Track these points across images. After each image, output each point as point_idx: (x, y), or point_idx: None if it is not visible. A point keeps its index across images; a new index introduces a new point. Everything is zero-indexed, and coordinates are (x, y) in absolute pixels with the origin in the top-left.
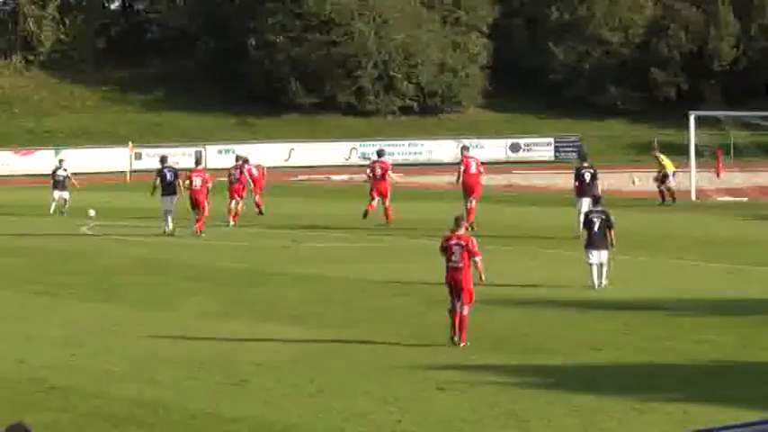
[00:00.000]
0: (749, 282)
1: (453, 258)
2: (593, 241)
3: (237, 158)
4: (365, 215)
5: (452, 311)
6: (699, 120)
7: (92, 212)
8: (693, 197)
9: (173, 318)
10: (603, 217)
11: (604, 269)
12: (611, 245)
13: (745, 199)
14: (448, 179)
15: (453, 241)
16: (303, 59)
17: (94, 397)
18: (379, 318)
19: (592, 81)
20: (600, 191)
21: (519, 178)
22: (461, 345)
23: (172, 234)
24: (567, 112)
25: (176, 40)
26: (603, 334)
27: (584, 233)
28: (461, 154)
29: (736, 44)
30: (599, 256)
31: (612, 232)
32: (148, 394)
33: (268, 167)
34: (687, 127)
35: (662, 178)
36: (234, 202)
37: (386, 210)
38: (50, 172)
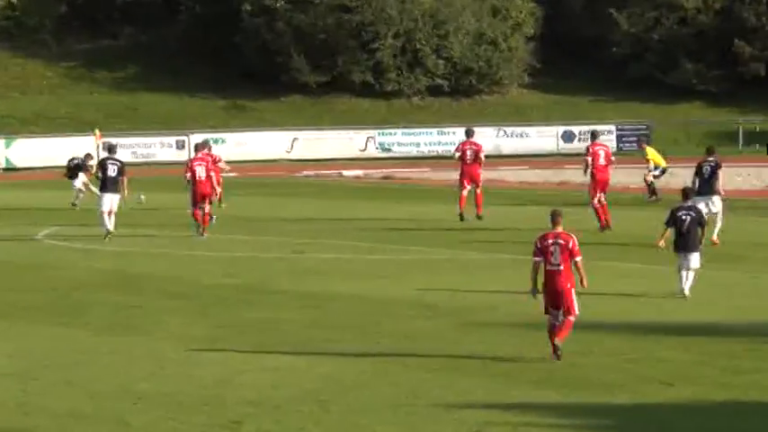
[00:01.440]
0: None
1: (552, 260)
2: (685, 242)
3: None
4: (461, 216)
5: (552, 325)
6: None
7: (142, 197)
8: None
9: (147, 345)
10: (694, 214)
11: (692, 275)
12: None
13: None
14: (486, 175)
15: (551, 240)
16: (309, 29)
17: None
18: (400, 345)
19: (663, 55)
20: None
21: (573, 174)
22: (556, 343)
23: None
24: (632, 93)
25: (154, 5)
26: (677, 366)
27: (670, 233)
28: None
29: None
30: (689, 261)
31: (704, 231)
32: None
33: (266, 159)
34: None
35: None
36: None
37: (477, 198)
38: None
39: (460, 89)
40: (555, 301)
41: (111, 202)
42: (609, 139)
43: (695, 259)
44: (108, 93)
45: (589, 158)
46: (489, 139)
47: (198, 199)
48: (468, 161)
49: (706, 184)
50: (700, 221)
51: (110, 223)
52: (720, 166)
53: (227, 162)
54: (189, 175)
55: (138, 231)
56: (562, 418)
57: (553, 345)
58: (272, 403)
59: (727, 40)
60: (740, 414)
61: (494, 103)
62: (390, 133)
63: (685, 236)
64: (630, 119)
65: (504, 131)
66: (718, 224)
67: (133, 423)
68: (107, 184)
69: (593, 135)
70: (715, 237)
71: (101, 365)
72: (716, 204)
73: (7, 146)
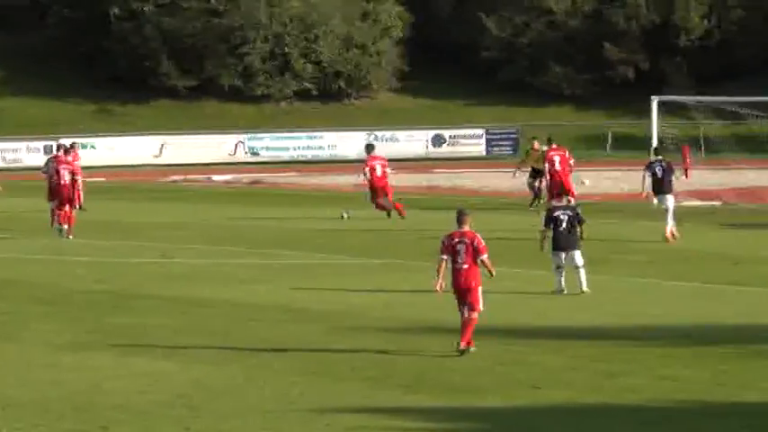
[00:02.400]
0: (723, 304)
1: (458, 259)
2: (561, 242)
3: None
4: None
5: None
6: (662, 106)
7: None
8: (655, 201)
9: (15, 350)
10: (571, 213)
11: (582, 272)
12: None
13: (718, 203)
14: (355, 180)
15: (457, 239)
16: (177, 33)
17: None
18: (270, 350)
19: (532, 59)
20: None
21: (442, 178)
22: (469, 348)
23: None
24: (501, 97)
25: (20, 8)
26: (547, 369)
27: (548, 233)
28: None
29: (707, 14)
30: (570, 258)
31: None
32: None
33: (135, 164)
34: (648, 115)
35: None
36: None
37: (396, 206)
38: None
39: (329, 93)
40: (462, 297)
41: None
42: (479, 143)
43: (578, 256)
44: None
45: (547, 165)
46: (358, 143)
47: (61, 200)
48: (378, 176)
49: (659, 184)
50: (578, 219)
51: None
52: (671, 166)
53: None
54: (55, 177)
55: (4, 236)
56: (431, 422)
57: (460, 344)
58: (141, 408)
59: (596, 44)
60: (612, 417)
61: (363, 107)
62: (259, 138)
63: (565, 235)
64: (500, 123)
65: (375, 136)
66: (671, 222)
67: (1, 430)
68: None
69: (550, 140)
70: (668, 233)
71: None
72: (669, 202)
73: None
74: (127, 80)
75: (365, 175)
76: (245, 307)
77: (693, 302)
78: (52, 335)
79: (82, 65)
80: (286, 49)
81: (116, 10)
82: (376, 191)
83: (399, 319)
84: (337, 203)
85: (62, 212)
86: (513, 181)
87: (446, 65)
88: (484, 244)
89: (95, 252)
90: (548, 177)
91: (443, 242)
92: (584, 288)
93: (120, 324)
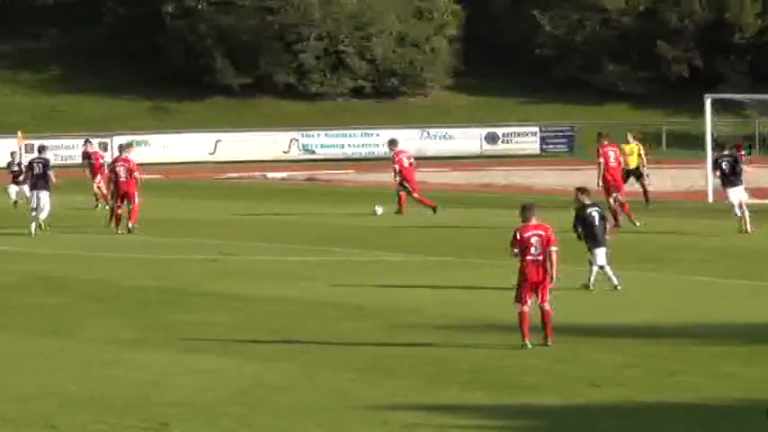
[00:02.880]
0: None
1: (533, 251)
2: (599, 238)
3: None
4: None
5: (523, 312)
6: (716, 104)
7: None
8: (710, 199)
9: (75, 347)
10: (600, 210)
11: (609, 270)
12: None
13: None
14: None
15: (531, 232)
16: (232, 31)
17: None
18: (328, 347)
19: (586, 57)
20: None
21: (498, 176)
22: (550, 343)
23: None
24: (556, 95)
25: (76, 6)
26: (605, 367)
27: (581, 232)
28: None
29: (761, 12)
30: (604, 256)
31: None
32: None
33: (190, 162)
34: (702, 113)
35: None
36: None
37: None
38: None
39: (384, 91)
40: (534, 288)
41: (37, 198)
42: (533, 141)
43: (602, 254)
44: (31, 94)
45: (602, 160)
46: (413, 141)
47: (120, 197)
48: (406, 167)
49: (726, 178)
50: (603, 216)
51: (36, 221)
52: (738, 160)
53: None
54: (112, 175)
55: (63, 233)
56: (489, 420)
57: (525, 342)
58: (200, 405)
59: (650, 42)
60: (670, 416)
61: (417, 104)
62: (314, 135)
63: (601, 231)
64: (555, 120)
65: (428, 133)
66: (746, 213)
67: (60, 426)
68: (35, 182)
69: (601, 135)
70: (749, 227)
71: (26, 368)
72: (733, 196)
73: None
74: (182, 78)
75: (395, 171)
76: (302, 304)
77: (750, 301)
78: (111, 331)
79: (137, 62)
80: (340, 47)
81: (171, 7)
82: (410, 182)
83: (455, 317)
84: (392, 200)
85: (119, 211)
86: (568, 179)
87: (500, 62)
88: (555, 237)
89: (152, 249)
90: (602, 172)
91: (516, 235)
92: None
93: (178, 321)
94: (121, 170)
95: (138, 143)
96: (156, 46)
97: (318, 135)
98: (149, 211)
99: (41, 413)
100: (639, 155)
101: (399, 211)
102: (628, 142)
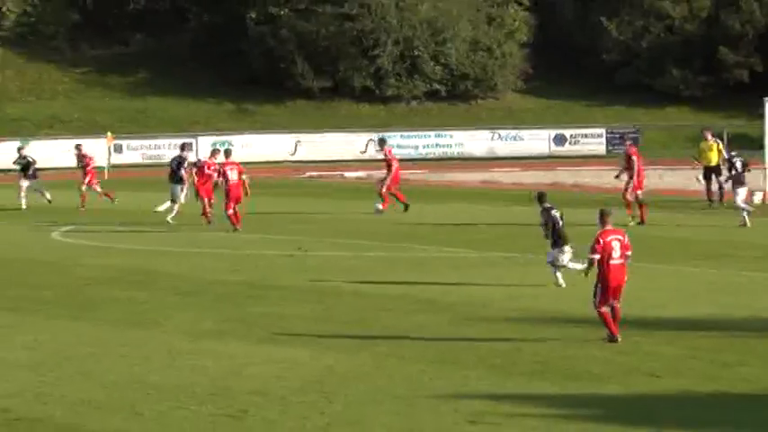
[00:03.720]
0: None
1: (614, 255)
2: (562, 237)
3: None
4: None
5: (606, 312)
6: None
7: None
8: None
9: (158, 338)
10: (560, 212)
11: (570, 265)
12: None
13: None
14: (481, 177)
15: (611, 236)
16: (311, 36)
17: (67, 430)
18: (400, 339)
19: (650, 62)
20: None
21: (565, 175)
22: (619, 339)
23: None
24: (621, 98)
25: (163, 13)
26: (665, 359)
27: (547, 233)
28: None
29: None
30: (567, 255)
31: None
32: (131, 427)
33: (271, 161)
34: (762, 115)
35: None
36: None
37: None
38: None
39: (457, 94)
40: (615, 292)
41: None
42: (599, 143)
43: (568, 254)
44: (119, 97)
45: (635, 159)
46: (484, 142)
47: (234, 201)
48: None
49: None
50: (561, 217)
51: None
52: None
53: None
54: (221, 178)
55: (148, 229)
56: (554, 408)
57: (614, 338)
58: (278, 394)
59: (712, 48)
60: (727, 406)
61: (488, 107)
62: (390, 136)
63: (559, 232)
64: (620, 123)
65: (499, 135)
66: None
67: (145, 412)
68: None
69: (628, 139)
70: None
71: (113, 358)
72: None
73: (22, 146)
74: (263, 81)
75: (390, 168)
76: (375, 297)
77: None
78: (192, 323)
79: (220, 66)
80: (415, 52)
81: (253, 14)
82: (395, 179)
83: (522, 310)
84: (464, 199)
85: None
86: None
87: (568, 67)
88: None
89: (232, 244)
90: (635, 173)
91: (599, 240)
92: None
93: (256, 313)
94: (233, 173)
95: (222, 144)
96: (240, 51)
97: (394, 136)
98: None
99: (128, 400)
100: (719, 150)
101: (406, 207)
102: (706, 139)
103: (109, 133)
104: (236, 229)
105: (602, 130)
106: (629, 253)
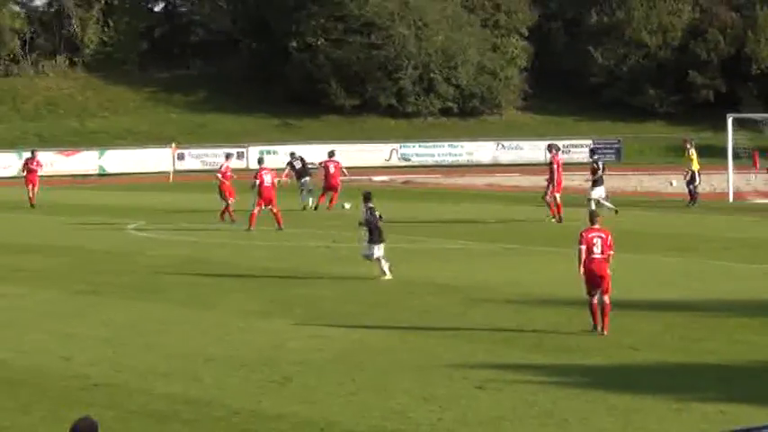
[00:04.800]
0: None
1: (595, 250)
2: (381, 236)
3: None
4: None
5: (592, 302)
6: (736, 122)
7: (347, 205)
8: (731, 199)
9: (215, 316)
10: (379, 213)
11: (383, 260)
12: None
13: None
14: (487, 180)
15: (595, 233)
16: (344, 62)
17: (138, 394)
18: (418, 317)
19: (630, 83)
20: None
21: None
22: (605, 333)
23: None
24: (605, 114)
25: (219, 42)
26: (642, 334)
27: (365, 230)
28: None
29: None
30: (380, 250)
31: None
32: (192, 392)
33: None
34: (725, 129)
35: (690, 178)
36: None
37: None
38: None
39: (467, 111)
40: (596, 283)
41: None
42: (586, 152)
43: (381, 249)
44: (182, 113)
45: (554, 166)
46: (490, 151)
47: (265, 202)
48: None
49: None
50: (381, 217)
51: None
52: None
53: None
54: (258, 182)
55: (207, 226)
56: (548, 376)
57: (596, 325)
58: (316, 364)
59: (682, 72)
60: (696, 374)
61: (493, 122)
62: (410, 146)
63: (379, 230)
64: (604, 135)
65: (502, 145)
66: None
67: (204, 379)
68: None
69: (554, 147)
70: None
71: (177, 333)
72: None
73: (100, 156)
74: (303, 99)
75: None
76: (398, 282)
77: (762, 282)
78: (243, 304)
79: (267, 87)
80: (432, 75)
81: (294, 43)
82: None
83: (522, 294)
84: (472, 199)
85: (273, 212)
86: (616, 182)
87: (560, 88)
88: (612, 241)
89: (277, 237)
90: (555, 178)
91: (582, 235)
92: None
93: (297, 295)
94: (267, 177)
95: (268, 152)
96: (283, 74)
97: (414, 146)
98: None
99: (189, 369)
100: (691, 159)
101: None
102: (687, 149)
103: (173, 144)
104: (248, 229)
105: (590, 141)
106: (612, 252)
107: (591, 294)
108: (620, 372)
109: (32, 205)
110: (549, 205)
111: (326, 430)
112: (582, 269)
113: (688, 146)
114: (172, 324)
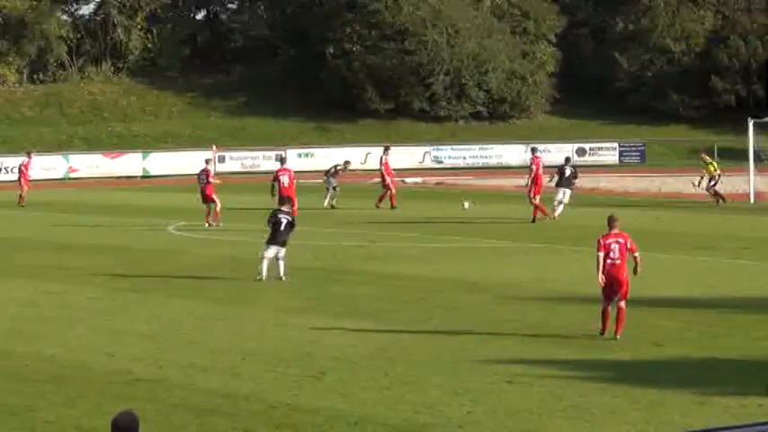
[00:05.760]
0: None
1: (612, 255)
2: (276, 237)
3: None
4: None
5: (606, 308)
6: (757, 126)
7: (467, 205)
8: (752, 200)
9: (254, 313)
10: (290, 218)
11: (282, 263)
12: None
13: None
14: (517, 182)
15: (612, 239)
16: (378, 67)
17: (179, 388)
18: (450, 314)
19: (654, 88)
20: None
21: (585, 181)
22: (617, 337)
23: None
24: (630, 118)
25: (258, 48)
26: (666, 330)
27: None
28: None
29: None
30: (277, 251)
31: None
32: (231, 386)
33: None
34: (746, 132)
35: (709, 182)
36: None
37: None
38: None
39: (497, 115)
40: (616, 288)
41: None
42: (613, 155)
43: (283, 251)
44: (222, 117)
45: (534, 168)
46: (519, 154)
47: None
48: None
49: (565, 181)
50: (293, 223)
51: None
52: (577, 173)
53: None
54: (276, 182)
55: (247, 227)
56: (573, 371)
57: (604, 330)
58: (351, 359)
59: (705, 77)
60: (717, 369)
61: (522, 125)
62: (442, 149)
63: (280, 232)
64: (629, 138)
65: (531, 148)
66: (561, 208)
67: (243, 374)
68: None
69: (535, 150)
70: (557, 214)
71: (217, 329)
72: (567, 195)
73: (144, 158)
74: (339, 104)
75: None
76: (430, 280)
77: None
78: (280, 301)
79: (304, 92)
80: (463, 80)
81: (331, 49)
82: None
83: (549, 291)
84: (502, 201)
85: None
86: (641, 183)
87: (587, 92)
88: (635, 244)
89: (314, 237)
90: (534, 180)
91: (600, 242)
92: (282, 276)
93: (334, 293)
94: (284, 178)
95: (306, 155)
96: (320, 79)
97: (445, 149)
98: (314, 206)
99: (228, 364)
100: (709, 164)
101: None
102: (702, 158)
103: (214, 146)
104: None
105: (615, 144)
106: (637, 254)
107: (608, 299)
108: (645, 366)
109: (22, 205)
110: (536, 206)
111: (360, 423)
112: (601, 276)
113: (703, 155)
114: (212, 321)
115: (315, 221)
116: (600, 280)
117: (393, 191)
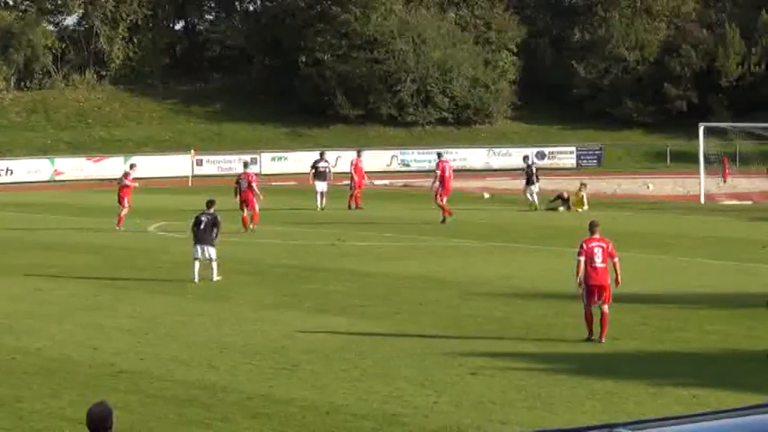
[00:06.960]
0: (754, 277)
1: (596, 259)
2: (199, 237)
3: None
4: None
5: (589, 311)
6: (707, 130)
7: (486, 195)
8: (702, 201)
9: (230, 309)
10: (211, 218)
11: (214, 264)
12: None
13: (750, 202)
14: (481, 184)
15: (595, 243)
16: (349, 75)
17: (159, 380)
18: (417, 310)
19: (611, 95)
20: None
21: (544, 183)
22: (602, 341)
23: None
24: (588, 123)
25: (234, 57)
26: (622, 325)
27: (193, 232)
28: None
29: (741, 62)
30: (203, 252)
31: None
32: (209, 378)
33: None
34: (697, 137)
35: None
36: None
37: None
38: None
39: (461, 120)
40: (598, 292)
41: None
42: (571, 158)
43: (212, 251)
44: (200, 122)
45: (438, 171)
46: (482, 157)
47: (241, 202)
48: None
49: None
50: (215, 223)
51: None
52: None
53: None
54: (237, 185)
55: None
56: (536, 364)
57: (591, 334)
58: (323, 352)
59: (658, 84)
60: (671, 361)
61: (485, 130)
62: (409, 153)
63: (201, 231)
64: (587, 142)
65: (494, 152)
66: (536, 198)
67: (220, 366)
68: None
69: (440, 155)
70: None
71: (195, 324)
72: (535, 191)
73: (126, 161)
74: (311, 110)
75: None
76: (398, 277)
77: (731, 276)
78: (257, 297)
79: (278, 99)
80: (429, 87)
81: (303, 58)
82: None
83: (513, 287)
84: (467, 202)
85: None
86: (598, 185)
87: (547, 99)
88: (614, 249)
89: (287, 236)
90: (442, 182)
91: (582, 246)
92: (215, 278)
93: (306, 290)
94: (243, 182)
95: (279, 158)
96: (293, 86)
97: (412, 153)
98: (288, 207)
99: (206, 357)
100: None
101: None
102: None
103: (192, 150)
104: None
105: (573, 148)
106: (616, 260)
107: (590, 304)
108: (602, 359)
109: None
110: (441, 207)
111: (332, 413)
112: (579, 280)
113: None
114: (191, 316)
115: (287, 220)
116: (578, 282)
117: (358, 191)
